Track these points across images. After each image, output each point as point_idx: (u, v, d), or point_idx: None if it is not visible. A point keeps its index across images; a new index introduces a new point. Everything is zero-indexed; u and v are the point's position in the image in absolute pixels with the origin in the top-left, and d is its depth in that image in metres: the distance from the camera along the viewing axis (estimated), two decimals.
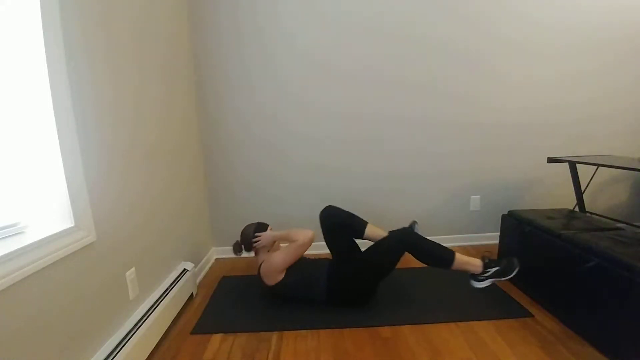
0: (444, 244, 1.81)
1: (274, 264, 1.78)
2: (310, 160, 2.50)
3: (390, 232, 1.95)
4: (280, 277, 1.79)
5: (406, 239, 1.75)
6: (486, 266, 1.71)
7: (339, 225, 1.97)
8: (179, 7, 2.12)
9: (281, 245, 2.11)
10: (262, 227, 1.97)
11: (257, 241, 1.92)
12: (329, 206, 2.04)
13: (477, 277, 1.72)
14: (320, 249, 2.57)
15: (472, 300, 1.84)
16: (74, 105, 1.14)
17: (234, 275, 2.26)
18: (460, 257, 1.71)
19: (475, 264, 1.71)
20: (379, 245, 1.80)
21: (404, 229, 1.90)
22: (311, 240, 1.81)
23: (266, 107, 2.41)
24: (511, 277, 1.66)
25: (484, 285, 1.71)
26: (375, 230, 1.97)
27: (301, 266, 1.85)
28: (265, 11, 2.29)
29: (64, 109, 1.09)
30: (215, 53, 2.32)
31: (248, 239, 1.94)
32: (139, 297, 1.50)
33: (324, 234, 2.00)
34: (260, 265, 1.86)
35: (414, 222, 2.05)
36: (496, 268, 1.69)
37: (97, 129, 1.27)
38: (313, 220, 2.55)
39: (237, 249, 1.99)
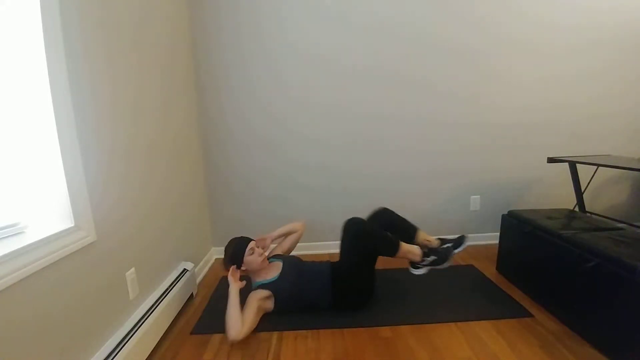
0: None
1: (236, 336, 1.54)
2: (310, 160, 2.50)
3: (441, 240, 1.96)
4: (270, 306, 1.73)
5: (358, 233, 1.74)
6: (424, 255, 1.79)
7: (390, 228, 1.89)
8: (179, 7, 2.12)
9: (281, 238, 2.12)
10: (238, 253, 1.76)
11: (245, 269, 1.79)
12: (383, 208, 2.01)
13: (415, 265, 1.82)
14: (322, 249, 2.59)
15: (472, 300, 1.84)
16: (74, 105, 1.14)
17: None
18: (403, 246, 1.76)
19: (414, 252, 1.78)
20: (342, 243, 1.80)
21: (353, 218, 1.80)
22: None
23: (266, 106, 2.41)
24: (444, 267, 1.78)
25: (420, 273, 1.81)
26: (425, 237, 1.97)
27: (299, 276, 1.77)
28: (266, 11, 2.29)
29: (64, 109, 1.09)
30: (215, 53, 2.32)
31: (238, 256, 1.77)
32: (139, 297, 1.50)
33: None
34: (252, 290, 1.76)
35: (463, 237, 1.91)
36: (433, 258, 1.78)
37: (97, 129, 1.27)
38: (313, 220, 2.56)
39: (226, 266, 1.82)
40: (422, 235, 1.97)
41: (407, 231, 1.96)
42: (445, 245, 1.87)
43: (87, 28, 1.23)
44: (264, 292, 1.72)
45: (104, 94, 1.31)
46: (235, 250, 1.77)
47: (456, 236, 1.95)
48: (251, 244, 1.80)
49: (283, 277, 1.76)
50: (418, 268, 1.81)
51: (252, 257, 1.77)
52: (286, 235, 2.10)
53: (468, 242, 1.91)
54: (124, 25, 1.47)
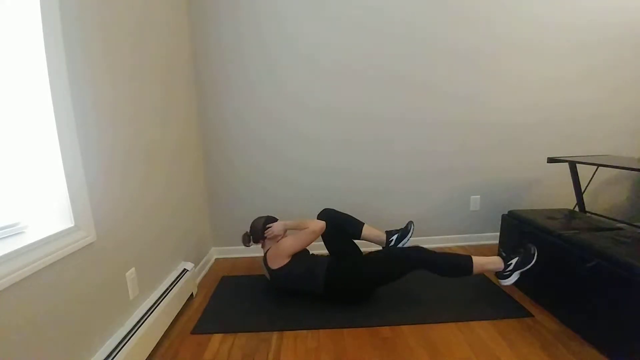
0: (444, 244, 1.82)
1: (283, 247, 1.83)
2: (310, 160, 2.50)
3: (388, 232, 2.02)
4: (285, 262, 1.83)
5: (420, 258, 1.75)
6: (506, 260, 1.71)
7: (337, 227, 2.00)
8: (179, 7, 2.12)
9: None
10: (271, 219, 2.01)
11: (269, 230, 1.95)
12: (326, 209, 2.07)
13: (502, 274, 1.71)
14: (322, 249, 2.59)
15: (472, 300, 1.84)
16: (74, 105, 1.14)
17: (234, 275, 2.26)
18: (478, 260, 1.71)
19: (494, 262, 1.71)
20: (390, 255, 1.82)
21: (408, 246, 1.87)
22: (322, 230, 1.89)
23: (266, 106, 2.41)
24: (534, 263, 1.64)
25: (512, 281, 1.69)
26: (372, 231, 2.03)
27: (304, 258, 1.89)
28: (266, 11, 2.29)
29: (64, 109, 1.09)
30: (215, 53, 2.32)
31: (258, 229, 1.97)
32: (139, 297, 1.50)
33: (322, 235, 1.99)
34: (268, 250, 1.91)
35: (410, 223, 2.06)
36: (516, 258, 1.69)
37: (97, 129, 1.27)
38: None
39: (246, 240, 2.02)
40: (368, 229, 2.01)
41: (354, 228, 2.02)
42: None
43: (87, 28, 1.23)
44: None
45: (104, 93, 1.31)
46: (257, 222, 2.00)
47: (402, 226, 2.02)
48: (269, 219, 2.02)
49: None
50: (506, 278, 1.69)
51: (273, 228, 1.96)
52: (298, 228, 2.01)
53: (413, 227, 1.99)
54: (124, 26, 1.47)
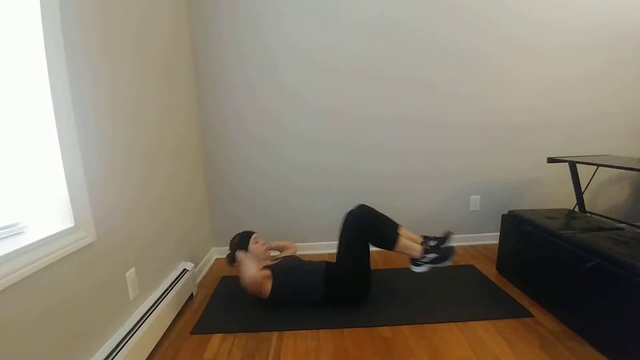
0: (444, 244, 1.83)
1: (247, 277, 1.74)
2: (310, 161, 2.50)
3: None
4: (267, 289, 1.78)
5: (359, 220, 1.76)
6: (425, 252, 1.78)
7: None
8: (179, 7, 2.12)
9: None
10: (244, 239, 1.96)
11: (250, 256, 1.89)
12: (362, 205, 1.92)
13: (415, 261, 1.80)
14: (321, 249, 2.59)
15: (472, 300, 1.84)
16: (74, 105, 1.14)
17: (234, 275, 2.25)
18: (402, 241, 1.75)
19: (416, 249, 1.78)
20: (342, 232, 1.81)
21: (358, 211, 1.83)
22: (253, 278, 1.75)
23: (266, 106, 2.41)
24: (445, 265, 1.77)
25: (421, 271, 1.78)
26: (408, 234, 1.93)
27: (295, 269, 1.85)
28: (266, 11, 2.29)
29: (64, 109, 1.09)
30: (215, 53, 2.32)
31: (235, 250, 1.95)
32: (139, 297, 1.50)
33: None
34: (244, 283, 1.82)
35: (449, 233, 1.94)
36: (435, 256, 1.77)
37: (97, 129, 1.27)
38: (313, 220, 2.57)
39: (230, 260, 1.99)
40: (404, 232, 1.93)
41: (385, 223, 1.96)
42: (444, 245, 1.86)
43: (87, 28, 1.23)
44: (265, 272, 1.80)
45: (104, 94, 1.32)
46: (242, 238, 1.96)
47: (441, 235, 1.95)
48: (254, 235, 1.98)
49: (283, 262, 1.89)
50: (419, 265, 1.79)
51: (257, 246, 1.94)
52: (280, 249, 2.20)
53: (453, 238, 1.93)
54: (124, 26, 1.47)
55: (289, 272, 1.83)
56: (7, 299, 0.87)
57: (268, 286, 1.79)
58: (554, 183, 2.62)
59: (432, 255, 1.77)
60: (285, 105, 2.42)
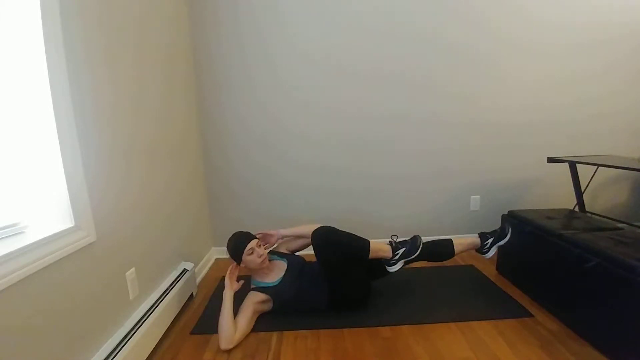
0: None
1: (226, 344, 1.51)
2: (310, 161, 2.50)
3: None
4: (268, 309, 1.73)
5: (326, 240, 1.67)
6: (394, 249, 1.76)
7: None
8: (179, 7, 2.12)
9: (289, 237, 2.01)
10: (238, 250, 1.71)
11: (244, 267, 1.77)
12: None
13: (389, 261, 1.78)
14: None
15: (472, 300, 1.84)
16: (74, 105, 1.14)
17: None
18: (373, 245, 1.73)
19: (385, 249, 1.76)
20: (321, 264, 1.74)
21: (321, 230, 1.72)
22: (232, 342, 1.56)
23: (266, 106, 2.41)
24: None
25: (396, 268, 1.77)
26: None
27: (299, 281, 1.77)
28: (266, 10, 2.29)
29: (64, 108, 1.09)
30: (215, 52, 2.32)
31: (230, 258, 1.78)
32: (139, 297, 1.50)
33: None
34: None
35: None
36: (403, 249, 1.76)
37: (97, 129, 1.27)
38: (313, 220, 2.56)
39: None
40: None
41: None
42: (502, 227, 1.98)
43: (87, 28, 1.23)
44: (262, 296, 1.70)
45: (104, 93, 1.31)
46: (235, 247, 1.72)
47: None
48: (251, 243, 1.71)
49: (284, 283, 1.74)
50: (393, 265, 1.77)
51: (251, 258, 1.70)
52: (299, 237, 1.97)
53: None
54: (124, 25, 1.47)
55: (291, 294, 1.73)
56: (7, 299, 0.87)
57: (267, 308, 1.73)
58: (554, 183, 2.62)
59: (401, 250, 1.75)
60: (285, 105, 2.42)
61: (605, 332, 1.41)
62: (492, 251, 1.94)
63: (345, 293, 1.76)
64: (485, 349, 1.47)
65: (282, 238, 1.96)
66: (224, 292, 1.63)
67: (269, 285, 1.75)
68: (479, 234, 1.99)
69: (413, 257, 1.76)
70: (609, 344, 1.39)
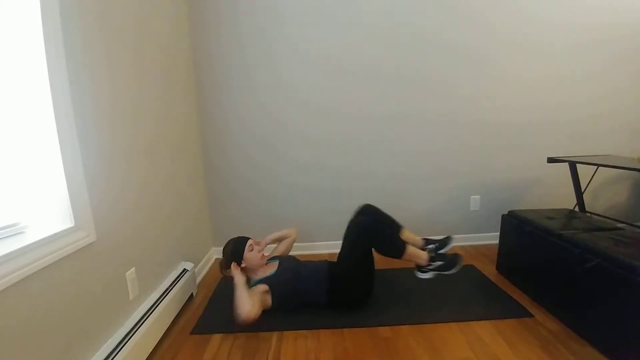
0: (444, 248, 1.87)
1: (247, 314, 1.56)
2: (310, 160, 2.50)
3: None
4: (268, 302, 1.73)
5: (366, 231, 1.74)
6: (431, 260, 1.79)
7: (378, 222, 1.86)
8: (179, 6, 2.12)
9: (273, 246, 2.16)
10: (238, 249, 1.81)
11: (244, 267, 1.82)
12: (367, 205, 2.01)
13: (421, 268, 1.81)
14: (321, 249, 2.59)
15: (472, 300, 1.84)
16: (74, 105, 1.14)
17: None
18: (410, 250, 1.76)
19: (423, 257, 1.79)
20: (346, 239, 1.81)
21: (361, 216, 1.89)
22: (253, 316, 1.59)
23: (266, 106, 2.41)
24: (451, 274, 1.77)
25: (425, 277, 1.80)
26: (410, 235, 2.00)
27: (294, 277, 1.79)
28: (266, 10, 2.29)
29: (63, 109, 1.09)
30: (215, 52, 2.32)
31: (229, 261, 1.82)
32: (139, 297, 1.50)
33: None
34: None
35: (449, 237, 1.99)
36: (440, 263, 1.78)
37: (96, 129, 1.27)
38: (313, 220, 2.57)
39: (222, 267, 1.89)
40: (407, 234, 1.99)
41: (392, 229, 1.98)
42: (444, 249, 1.90)
43: (87, 28, 1.23)
44: (262, 287, 1.74)
45: (104, 93, 1.31)
46: (236, 247, 1.83)
47: (442, 237, 1.99)
48: (250, 241, 1.86)
49: (280, 273, 1.81)
50: (424, 272, 1.81)
51: (252, 254, 1.83)
52: (280, 240, 2.15)
53: (453, 243, 1.96)
54: (124, 26, 1.47)
55: (289, 281, 1.76)
56: (7, 299, 0.87)
57: (268, 301, 1.73)
58: (554, 183, 2.62)
59: (438, 263, 1.79)
60: (286, 104, 2.42)
61: (605, 332, 1.40)
62: (429, 275, 1.80)
63: (345, 290, 1.77)
64: (485, 349, 1.47)
65: (268, 243, 2.08)
66: (235, 281, 1.71)
67: (267, 276, 1.80)
68: (423, 240, 1.96)
69: (446, 273, 1.77)
70: (609, 344, 1.39)
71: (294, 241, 2.18)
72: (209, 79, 2.36)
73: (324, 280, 1.77)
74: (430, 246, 1.96)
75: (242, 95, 2.39)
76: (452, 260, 1.79)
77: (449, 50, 2.39)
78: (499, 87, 2.47)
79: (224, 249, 1.89)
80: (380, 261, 1.81)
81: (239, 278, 1.71)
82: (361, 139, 2.48)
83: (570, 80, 2.48)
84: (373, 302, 1.83)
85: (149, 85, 1.67)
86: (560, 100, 2.51)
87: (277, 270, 1.83)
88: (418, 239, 1.99)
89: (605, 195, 2.69)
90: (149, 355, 1.42)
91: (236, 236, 1.93)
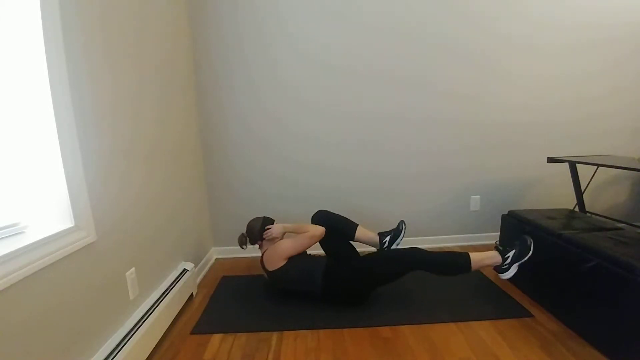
0: (444, 244, 1.82)
1: (281, 250, 1.83)
2: (310, 160, 2.50)
3: (380, 234, 2.02)
4: (281, 264, 1.83)
5: (415, 259, 1.73)
6: (503, 253, 1.71)
7: (331, 228, 1.99)
8: (179, 6, 2.12)
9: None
10: (269, 220, 2.02)
11: (268, 232, 1.96)
12: (320, 210, 2.10)
13: (501, 268, 1.72)
14: (319, 248, 2.59)
15: (472, 300, 1.84)
16: (74, 105, 1.14)
17: (234, 275, 2.26)
18: (475, 256, 1.71)
19: (492, 256, 1.72)
20: (387, 256, 1.82)
21: (404, 247, 1.84)
22: (321, 235, 1.89)
23: (266, 106, 2.41)
24: (531, 255, 1.66)
25: (512, 274, 1.69)
26: (366, 233, 2.04)
27: (301, 259, 1.88)
28: (266, 10, 2.29)
29: (64, 108, 1.09)
30: (215, 52, 2.32)
31: (255, 231, 1.97)
32: (139, 297, 1.50)
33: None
34: (265, 251, 1.91)
35: (402, 222, 2.05)
36: (513, 251, 1.69)
37: (96, 129, 1.27)
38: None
39: (242, 241, 2.02)
40: (362, 231, 2.03)
41: (348, 229, 2.03)
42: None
43: (87, 28, 1.23)
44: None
45: (104, 94, 1.31)
46: (263, 223, 1.98)
47: (394, 227, 2.04)
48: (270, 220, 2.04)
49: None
50: (505, 271, 1.69)
51: (276, 225, 2.00)
52: (298, 231, 2.01)
53: (405, 226, 2.00)
54: (124, 26, 1.47)
55: (298, 261, 1.85)
56: (7, 299, 0.87)
57: (281, 264, 1.82)
58: (554, 183, 2.62)
59: (511, 253, 1.69)
60: (286, 104, 2.42)
61: (605, 332, 1.40)
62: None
63: (339, 290, 1.79)
64: (485, 349, 1.47)
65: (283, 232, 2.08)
66: (284, 231, 1.98)
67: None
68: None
69: (526, 258, 1.67)
70: (609, 344, 1.39)
71: (311, 239, 1.93)
72: (209, 79, 2.36)
73: (321, 271, 1.80)
74: (386, 239, 2.00)
75: (242, 95, 2.39)
76: (522, 243, 1.69)
77: (450, 50, 2.39)
78: (499, 87, 2.47)
79: (249, 224, 2.01)
80: None
81: (283, 226, 1.96)
82: (361, 138, 2.48)
83: (570, 80, 2.49)
84: (373, 302, 1.83)
85: (149, 85, 1.67)
86: (560, 100, 2.51)
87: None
88: (373, 235, 2.03)
89: (605, 195, 2.69)
90: (149, 355, 1.42)
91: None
